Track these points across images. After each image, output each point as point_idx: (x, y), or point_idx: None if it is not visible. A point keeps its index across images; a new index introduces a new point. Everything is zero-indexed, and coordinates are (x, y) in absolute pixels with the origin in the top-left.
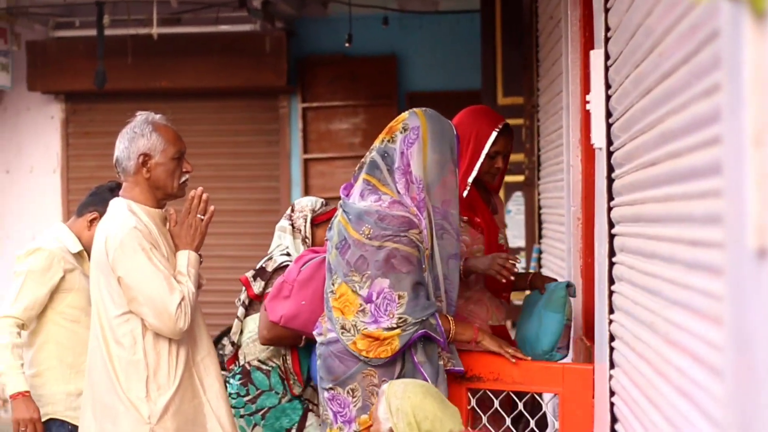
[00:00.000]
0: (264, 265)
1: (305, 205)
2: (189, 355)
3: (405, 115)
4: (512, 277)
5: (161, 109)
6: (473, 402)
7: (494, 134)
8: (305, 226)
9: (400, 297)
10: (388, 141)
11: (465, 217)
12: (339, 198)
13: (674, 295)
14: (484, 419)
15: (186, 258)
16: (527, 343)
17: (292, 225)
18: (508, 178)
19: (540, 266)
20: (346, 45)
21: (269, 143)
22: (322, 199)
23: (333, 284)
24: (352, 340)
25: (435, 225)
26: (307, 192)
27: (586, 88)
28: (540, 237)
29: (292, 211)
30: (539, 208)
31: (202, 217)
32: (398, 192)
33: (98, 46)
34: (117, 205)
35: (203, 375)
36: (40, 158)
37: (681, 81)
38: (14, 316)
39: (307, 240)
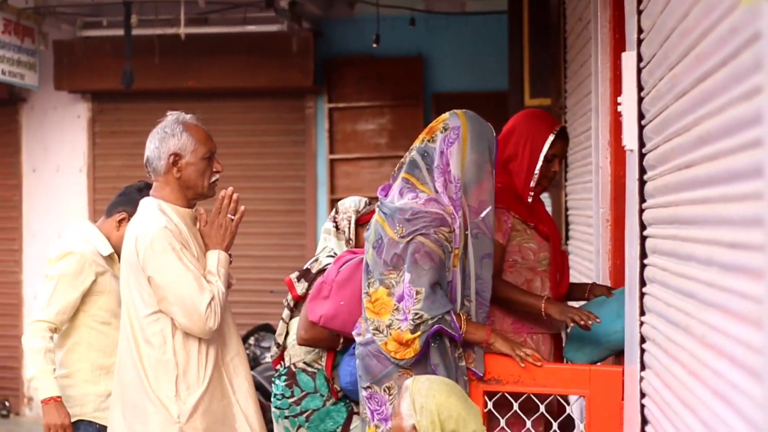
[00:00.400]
0: (309, 267)
1: (348, 206)
2: (218, 355)
3: (446, 115)
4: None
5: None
6: (490, 405)
7: (551, 137)
8: (349, 228)
9: (417, 293)
10: (428, 140)
11: (531, 224)
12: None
13: (711, 298)
14: (502, 422)
15: (216, 258)
16: (605, 320)
17: (336, 227)
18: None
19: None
20: (374, 45)
21: (295, 143)
22: (366, 199)
23: (369, 286)
24: (384, 341)
25: (470, 224)
26: (332, 192)
27: (615, 90)
28: (567, 238)
29: (336, 212)
30: (566, 209)
31: (233, 217)
32: (436, 191)
33: (125, 45)
34: (147, 205)
35: (232, 375)
36: (67, 157)
37: (720, 83)
38: (46, 320)
39: (351, 242)
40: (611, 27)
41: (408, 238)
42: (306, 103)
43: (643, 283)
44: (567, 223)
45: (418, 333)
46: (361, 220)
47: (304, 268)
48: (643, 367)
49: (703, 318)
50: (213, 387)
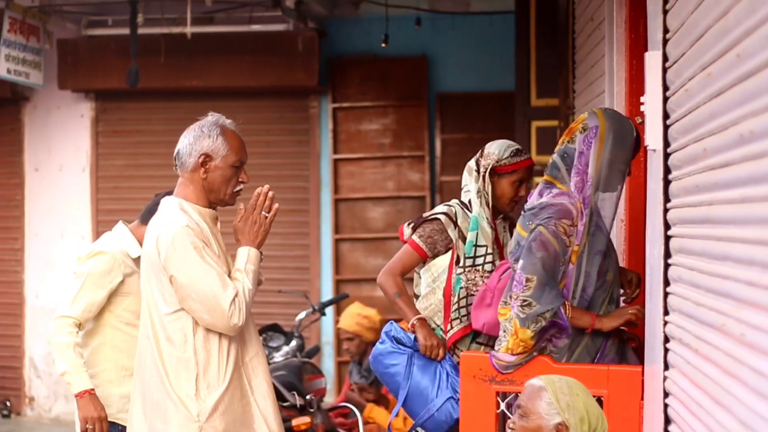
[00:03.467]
0: (425, 214)
1: (493, 150)
2: (239, 354)
3: (584, 115)
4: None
5: (191, 108)
6: (503, 405)
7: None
8: (485, 175)
9: (528, 280)
10: (568, 142)
11: None
12: (370, 199)
13: (752, 296)
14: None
15: (246, 254)
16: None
17: (477, 168)
18: (541, 179)
19: None
20: (383, 45)
21: (299, 143)
22: (516, 147)
23: (503, 302)
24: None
25: (591, 222)
26: (336, 192)
27: (631, 90)
28: None
29: (481, 153)
30: None
31: (267, 214)
32: (572, 189)
33: (131, 44)
34: (168, 204)
35: (251, 375)
36: (70, 157)
37: (765, 83)
38: (73, 316)
39: (483, 192)
40: (627, 27)
41: (531, 229)
42: (310, 103)
43: (666, 283)
44: None
45: (532, 330)
46: (499, 170)
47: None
48: (666, 367)
49: (741, 317)
50: (233, 387)
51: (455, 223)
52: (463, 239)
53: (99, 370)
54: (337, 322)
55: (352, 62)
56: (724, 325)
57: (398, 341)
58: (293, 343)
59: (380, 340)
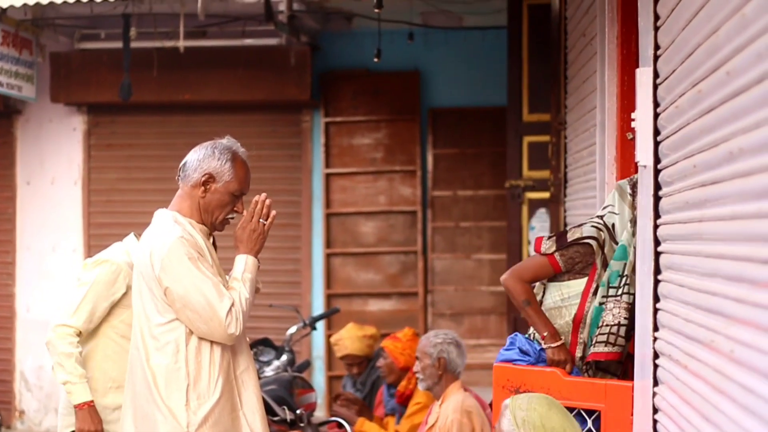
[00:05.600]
0: (569, 230)
1: None
2: (230, 367)
3: None
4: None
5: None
6: None
7: None
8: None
9: None
10: None
11: None
12: (362, 213)
13: (741, 313)
14: None
15: (243, 263)
16: None
17: (634, 192)
18: (532, 195)
19: None
20: (375, 60)
21: (291, 157)
22: None
23: None
24: None
25: None
26: (328, 207)
27: (622, 106)
28: None
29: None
30: (565, 225)
31: (264, 221)
32: None
33: (124, 58)
34: (162, 217)
35: (242, 389)
36: (62, 170)
37: (754, 100)
38: (74, 325)
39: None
40: (619, 43)
41: None
42: (302, 117)
43: (656, 299)
44: None
45: None
46: None
47: (567, 228)
48: (656, 383)
49: (730, 333)
50: (224, 399)
51: (602, 249)
52: (604, 266)
53: (87, 378)
54: (328, 336)
55: (344, 77)
56: (713, 341)
57: (524, 352)
58: (284, 357)
59: (506, 347)
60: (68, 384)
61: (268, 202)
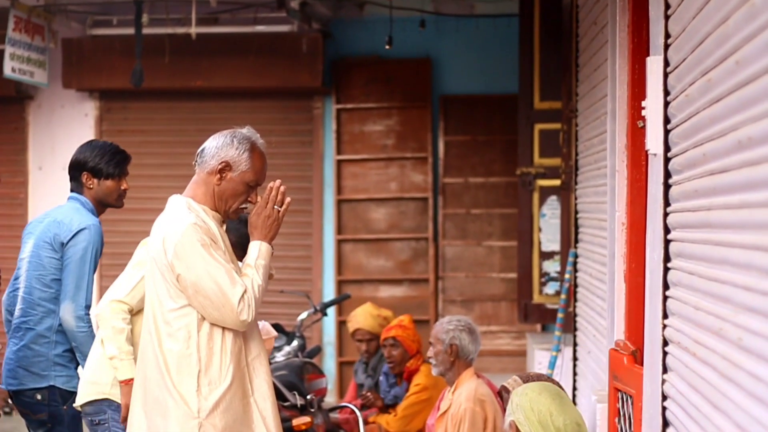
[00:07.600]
0: None
1: None
2: (241, 353)
3: None
4: None
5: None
6: None
7: None
8: None
9: None
10: None
11: None
12: (373, 200)
13: (750, 301)
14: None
15: (257, 249)
16: None
17: None
18: (543, 182)
19: (576, 270)
20: (387, 47)
21: (303, 144)
22: None
23: None
24: None
25: None
26: (339, 193)
27: (633, 94)
28: (576, 241)
29: None
30: (576, 212)
31: (279, 208)
32: None
33: (136, 44)
34: (176, 203)
35: (253, 375)
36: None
37: (763, 90)
38: (129, 303)
39: None
40: (630, 31)
41: None
42: (314, 104)
43: (666, 287)
44: (576, 226)
45: None
46: None
47: None
48: (665, 370)
49: (739, 321)
50: (236, 385)
51: None
52: None
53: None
54: (340, 323)
55: (356, 64)
56: (722, 329)
57: None
58: (295, 343)
59: None
60: (115, 359)
61: (282, 188)
